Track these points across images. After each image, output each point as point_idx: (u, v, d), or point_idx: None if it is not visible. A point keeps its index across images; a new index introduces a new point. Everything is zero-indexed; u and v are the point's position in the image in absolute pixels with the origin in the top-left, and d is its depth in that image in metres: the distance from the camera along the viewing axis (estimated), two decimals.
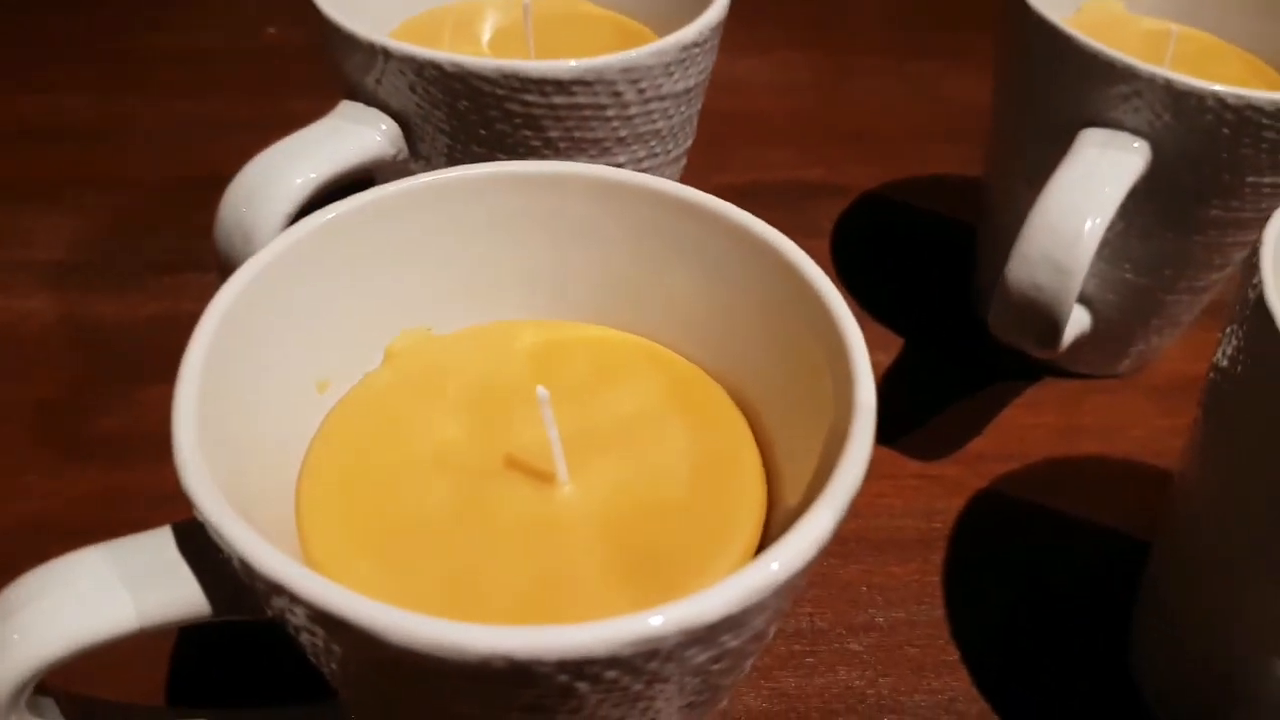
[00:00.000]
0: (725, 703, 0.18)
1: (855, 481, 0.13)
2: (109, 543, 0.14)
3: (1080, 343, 0.30)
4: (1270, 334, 0.17)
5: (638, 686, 0.12)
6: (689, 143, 0.26)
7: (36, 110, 0.39)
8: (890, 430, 0.29)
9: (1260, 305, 0.17)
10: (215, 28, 0.45)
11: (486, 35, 0.27)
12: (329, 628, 0.12)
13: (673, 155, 0.25)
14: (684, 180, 0.40)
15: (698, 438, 0.17)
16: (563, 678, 0.11)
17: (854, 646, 0.23)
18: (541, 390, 0.16)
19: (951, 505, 0.27)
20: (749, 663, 0.14)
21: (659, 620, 0.11)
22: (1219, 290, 0.28)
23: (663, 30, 0.28)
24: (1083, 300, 0.29)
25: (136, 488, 0.26)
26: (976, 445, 0.29)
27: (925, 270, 0.34)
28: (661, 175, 0.26)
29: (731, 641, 0.12)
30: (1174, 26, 0.31)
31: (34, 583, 0.14)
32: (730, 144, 0.40)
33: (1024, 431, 0.29)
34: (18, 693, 0.14)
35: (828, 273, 0.35)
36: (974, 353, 0.31)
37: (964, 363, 0.31)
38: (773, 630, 0.14)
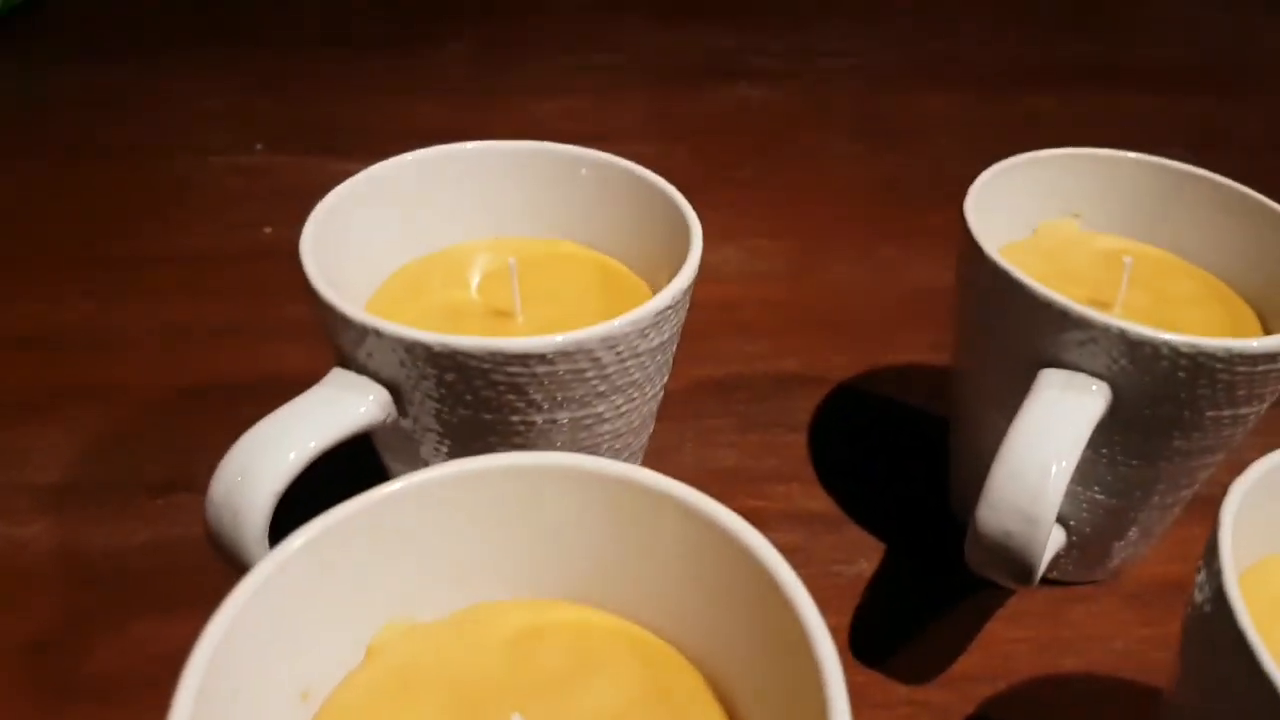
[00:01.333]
0: None
1: None
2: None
3: (1058, 554, 0.30)
4: (1231, 631, 0.17)
5: None
6: (666, 379, 0.27)
7: (35, 319, 0.41)
8: (879, 650, 0.29)
9: (1220, 598, 0.18)
10: (212, 228, 0.46)
11: (476, 280, 0.29)
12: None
13: (649, 396, 0.26)
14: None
15: None
16: None
17: None
18: (516, 717, 0.16)
19: None
20: None
21: None
22: (1197, 490, 0.29)
23: (640, 265, 0.30)
24: (1057, 519, 0.29)
25: None
26: (962, 665, 0.29)
27: (903, 468, 0.35)
28: (640, 414, 0.27)
29: None
30: (1130, 245, 0.33)
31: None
32: (708, 336, 0.41)
33: (1007, 647, 0.29)
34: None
35: (806, 472, 0.35)
36: (955, 558, 0.31)
37: (946, 569, 0.31)
38: None
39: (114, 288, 0.42)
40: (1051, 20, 0.77)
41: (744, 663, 0.18)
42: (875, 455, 0.36)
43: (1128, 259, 0.30)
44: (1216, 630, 0.18)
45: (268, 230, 0.46)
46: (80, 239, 0.46)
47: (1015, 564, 0.24)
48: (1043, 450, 0.24)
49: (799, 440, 0.36)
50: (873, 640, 0.29)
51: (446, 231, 0.29)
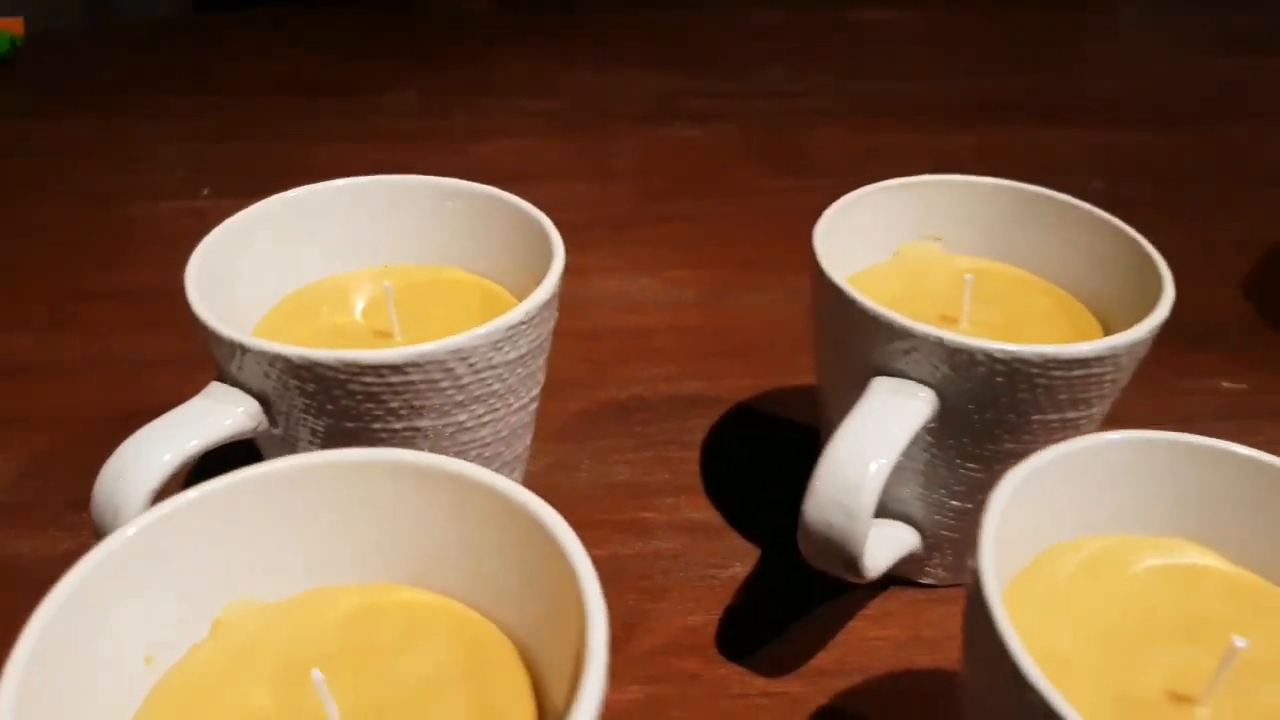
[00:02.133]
0: None
1: None
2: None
3: (919, 557, 0.32)
4: (989, 629, 0.19)
5: None
6: (535, 392, 0.30)
7: None
8: (740, 647, 0.31)
9: (978, 596, 0.19)
10: (155, 267, 0.49)
11: (360, 306, 0.31)
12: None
13: (515, 408, 0.28)
14: (569, 393, 0.43)
15: (479, 703, 0.20)
16: None
17: None
18: (317, 673, 0.18)
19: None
20: None
21: None
22: None
23: (516, 286, 0.32)
24: (911, 522, 0.31)
25: None
26: (821, 660, 0.31)
27: (784, 479, 0.37)
28: (507, 424, 0.29)
29: None
30: (987, 265, 0.35)
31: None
32: (618, 361, 0.43)
33: (868, 645, 0.31)
34: None
35: (695, 485, 0.37)
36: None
37: (817, 573, 0.33)
38: None
39: (59, 319, 0.45)
40: (987, 59, 0.80)
41: (546, 633, 0.20)
42: (760, 468, 0.38)
43: (969, 276, 0.32)
44: (975, 610, 0.20)
45: None
46: (26, 277, 0.49)
47: (839, 555, 0.26)
48: (863, 449, 0.26)
49: (692, 456, 0.38)
50: (738, 637, 0.31)
51: (332, 262, 0.32)
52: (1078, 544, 0.24)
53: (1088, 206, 0.34)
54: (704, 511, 0.36)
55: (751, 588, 0.33)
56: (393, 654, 0.21)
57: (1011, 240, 0.35)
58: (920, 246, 0.35)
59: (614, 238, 0.52)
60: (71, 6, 0.84)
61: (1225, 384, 0.42)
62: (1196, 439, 0.23)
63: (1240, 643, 0.20)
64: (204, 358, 0.39)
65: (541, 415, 0.31)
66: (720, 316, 0.47)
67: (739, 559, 0.34)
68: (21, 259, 0.50)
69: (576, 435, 0.39)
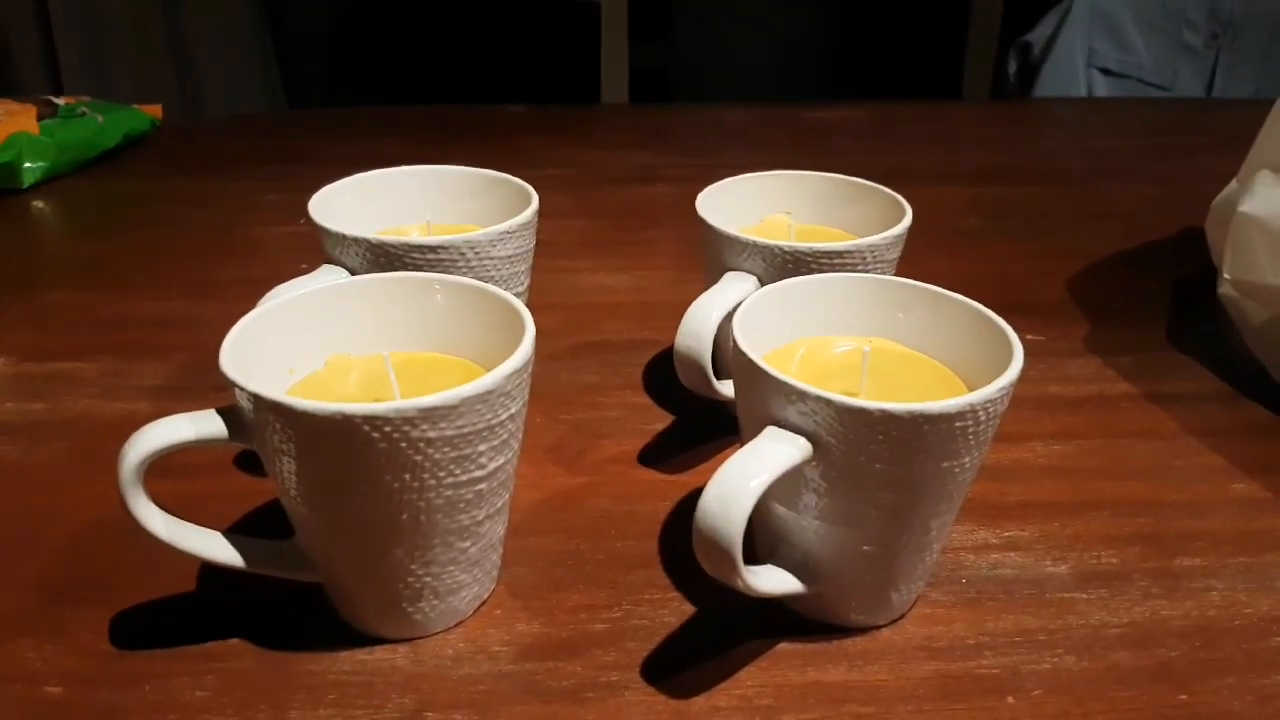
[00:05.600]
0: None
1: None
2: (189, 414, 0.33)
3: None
4: (748, 365, 0.35)
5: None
6: (520, 288, 0.47)
7: (149, 309, 0.62)
8: (657, 462, 0.47)
9: (741, 356, 0.36)
10: (271, 263, 0.68)
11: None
12: (276, 413, 0.30)
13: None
14: (560, 337, 0.59)
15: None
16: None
17: None
18: (387, 355, 0.35)
19: (677, 495, 0.44)
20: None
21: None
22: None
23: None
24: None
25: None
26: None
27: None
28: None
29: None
30: (811, 227, 0.52)
31: (147, 425, 0.32)
32: (594, 320, 0.61)
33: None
34: (139, 468, 0.32)
35: (637, 384, 0.53)
36: (723, 423, 0.49)
37: (720, 427, 0.49)
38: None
39: (195, 295, 0.64)
40: (903, 143, 0.99)
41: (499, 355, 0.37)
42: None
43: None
44: (740, 364, 0.35)
45: (304, 266, 0.67)
46: (171, 270, 0.68)
47: (694, 370, 0.42)
48: (706, 303, 0.43)
49: (636, 372, 0.55)
50: (656, 458, 0.47)
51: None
52: (805, 339, 0.39)
53: (876, 185, 0.51)
54: (640, 398, 0.52)
55: (664, 434, 0.49)
56: (427, 376, 0.37)
57: (838, 215, 0.52)
58: (775, 218, 0.53)
59: (599, 251, 0.71)
60: (171, 107, 1.06)
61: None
62: (876, 276, 0.39)
63: (865, 349, 0.36)
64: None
65: (539, 348, 0.36)
66: (669, 298, 0.64)
67: (658, 421, 0.50)
68: (168, 264, 0.70)
69: (562, 356, 0.56)
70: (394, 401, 0.30)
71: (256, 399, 0.31)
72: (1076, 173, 0.91)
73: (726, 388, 0.44)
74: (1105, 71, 1.30)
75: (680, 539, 0.42)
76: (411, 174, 0.51)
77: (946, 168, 0.91)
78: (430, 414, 0.31)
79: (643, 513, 0.43)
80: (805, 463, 0.32)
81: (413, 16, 1.96)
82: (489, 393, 0.32)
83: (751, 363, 0.33)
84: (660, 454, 0.47)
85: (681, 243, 0.74)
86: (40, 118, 0.82)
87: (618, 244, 0.73)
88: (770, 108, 1.11)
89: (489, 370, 0.32)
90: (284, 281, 0.43)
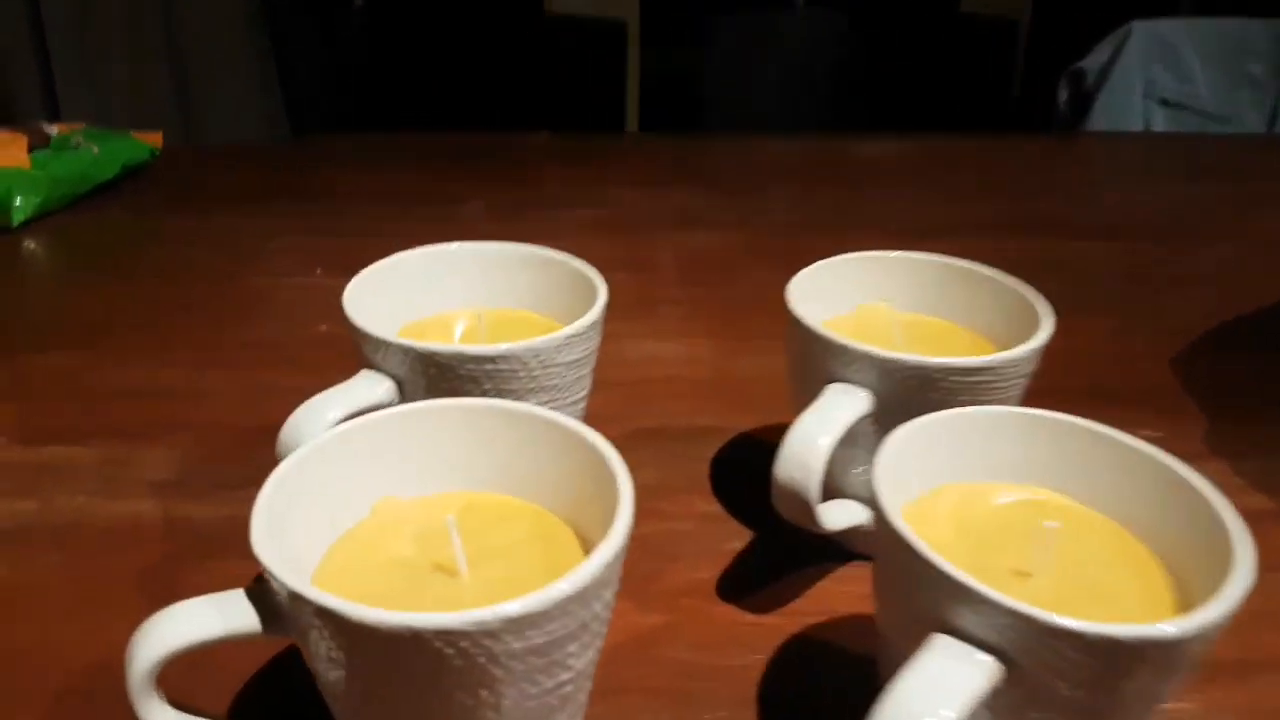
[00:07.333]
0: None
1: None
2: (210, 596, 0.27)
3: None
4: (889, 532, 0.29)
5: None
6: (584, 392, 0.40)
7: (149, 377, 0.55)
8: (733, 594, 0.40)
9: (879, 512, 0.30)
10: (283, 321, 0.62)
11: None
12: (324, 619, 0.24)
13: (568, 401, 0.39)
14: (611, 422, 0.54)
15: (548, 556, 0.30)
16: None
17: None
18: (450, 518, 0.29)
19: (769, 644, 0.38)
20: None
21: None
22: None
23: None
24: (863, 500, 0.41)
25: None
26: (795, 604, 0.40)
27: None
28: (564, 411, 0.40)
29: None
30: (916, 317, 0.46)
31: (162, 614, 0.26)
32: (648, 400, 0.54)
33: (831, 594, 0.41)
34: (152, 671, 0.26)
35: (704, 487, 0.47)
36: (801, 540, 0.43)
37: (796, 548, 0.43)
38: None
39: (199, 362, 0.57)
40: (957, 186, 0.93)
41: (591, 518, 0.31)
42: (754, 476, 0.48)
43: (901, 319, 0.43)
44: (880, 524, 0.29)
45: (323, 328, 0.61)
46: (173, 331, 0.61)
47: (799, 504, 0.36)
48: (815, 427, 0.36)
49: (703, 469, 0.49)
50: (732, 587, 0.41)
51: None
52: (952, 485, 0.33)
53: (988, 269, 0.45)
54: (711, 505, 0.46)
55: (744, 557, 0.43)
56: (491, 528, 0.31)
57: (940, 300, 0.46)
58: (873, 307, 0.46)
59: (644, 312, 0.64)
60: (171, 134, 1.00)
61: None
62: (1046, 413, 0.33)
63: (1051, 524, 0.29)
64: (316, 389, 0.49)
65: None
66: (727, 371, 0.58)
67: (736, 538, 0.44)
68: (169, 319, 0.63)
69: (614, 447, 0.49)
70: (473, 612, 0.24)
71: (298, 600, 0.25)
72: (1154, 226, 0.84)
73: (831, 520, 0.38)
74: (1163, 102, 1.24)
75: (778, 709, 0.35)
76: (454, 253, 0.45)
77: (1007, 215, 0.85)
78: (516, 625, 0.24)
79: (730, 669, 0.37)
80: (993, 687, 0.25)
81: (417, 36, 1.90)
82: (586, 589, 0.26)
83: (924, 559, 0.27)
84: (742, 585, 0.41)
85: (731, 302, 0.67)
86: (32, 148, 0.76)
87: (664, 303, 0.67)
88: (812, 139, 1.04)
89: (565, 513, 0.28)
90: (314, 390, 0.37)
